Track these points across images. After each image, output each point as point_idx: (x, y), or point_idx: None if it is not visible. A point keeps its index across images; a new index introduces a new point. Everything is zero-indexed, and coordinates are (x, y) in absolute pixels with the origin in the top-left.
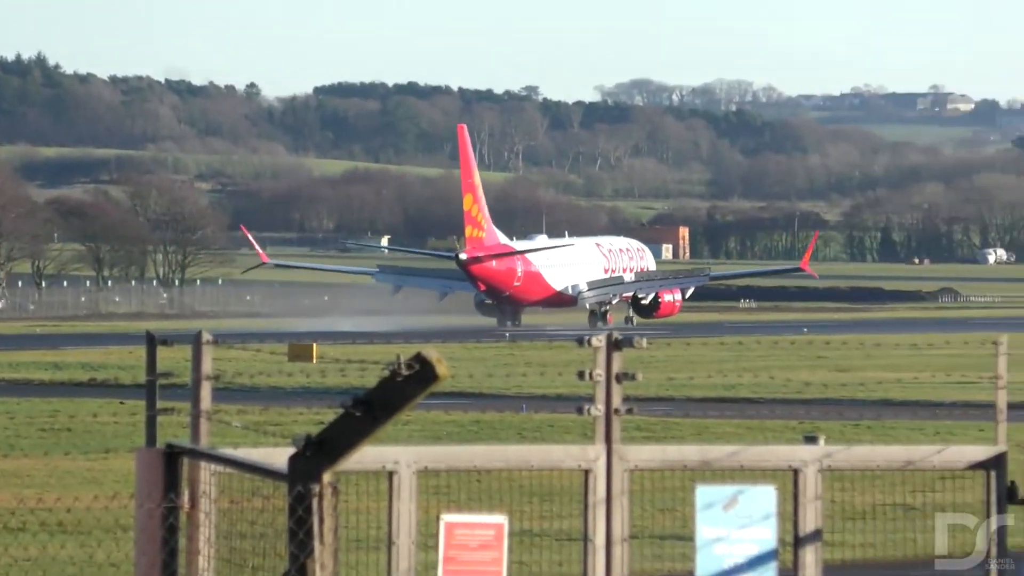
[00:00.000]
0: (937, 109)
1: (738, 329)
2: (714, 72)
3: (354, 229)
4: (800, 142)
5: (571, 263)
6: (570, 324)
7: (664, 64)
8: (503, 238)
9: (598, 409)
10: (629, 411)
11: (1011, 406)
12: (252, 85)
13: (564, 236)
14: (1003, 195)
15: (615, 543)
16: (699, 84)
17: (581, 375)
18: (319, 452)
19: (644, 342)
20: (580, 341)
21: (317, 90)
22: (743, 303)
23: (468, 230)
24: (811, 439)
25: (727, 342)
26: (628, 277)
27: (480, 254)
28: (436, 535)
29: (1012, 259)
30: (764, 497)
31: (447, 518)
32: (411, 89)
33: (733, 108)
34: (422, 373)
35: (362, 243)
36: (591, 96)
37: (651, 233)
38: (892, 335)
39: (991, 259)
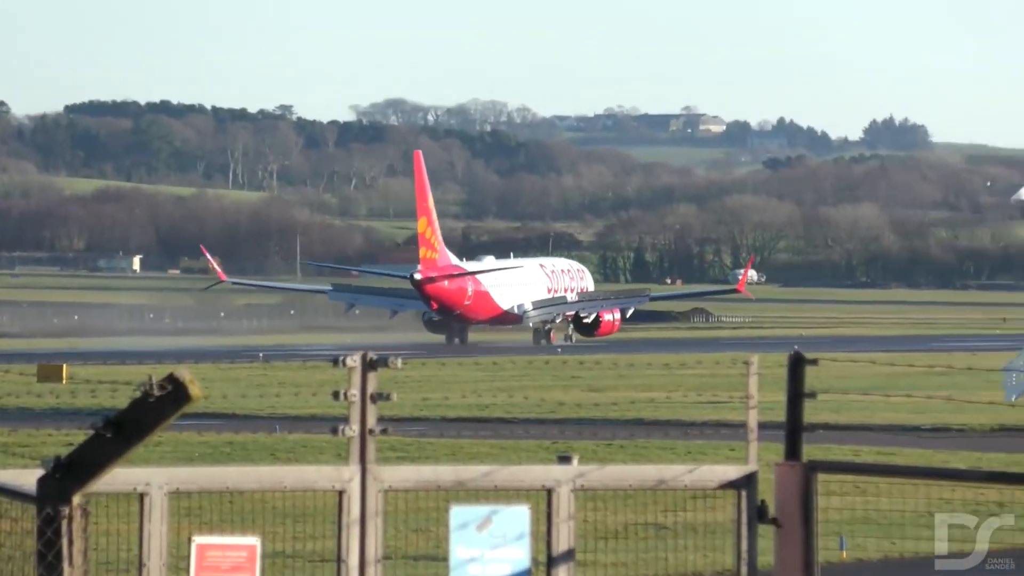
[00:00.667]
0: (689, 130)
1: (492, 350)
2: (469, 92)
3: (105, 248)
4: (554, 163)
5: (517, 283)
6: (516, 341)
7: (419, 84)
8: (454, 259)
9: (353, 429)
10: (384, 431)
11: (762, 425)
12: (1, 103)
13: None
14: (754, 216)
15: (369, 564)
16: (454, 104)
17: (336, 395)
18: (69, 474)
19: (399, 362)
20: (335, 361)
21: (68, 108)
22: None
23: (422, 251)
24: (565, 459)
25: (481, 362)
26: (571, 297)
27: (434, 274)
28: (187, 557)
29: (763, 280)
30: (518, 517)
31: (199, 540)
32: (164, 108)
33: (488, 128)
34: (174, 394)
35: (114, 263)
36: (346, 115)
37: (406, 253)
38: (645, 355)
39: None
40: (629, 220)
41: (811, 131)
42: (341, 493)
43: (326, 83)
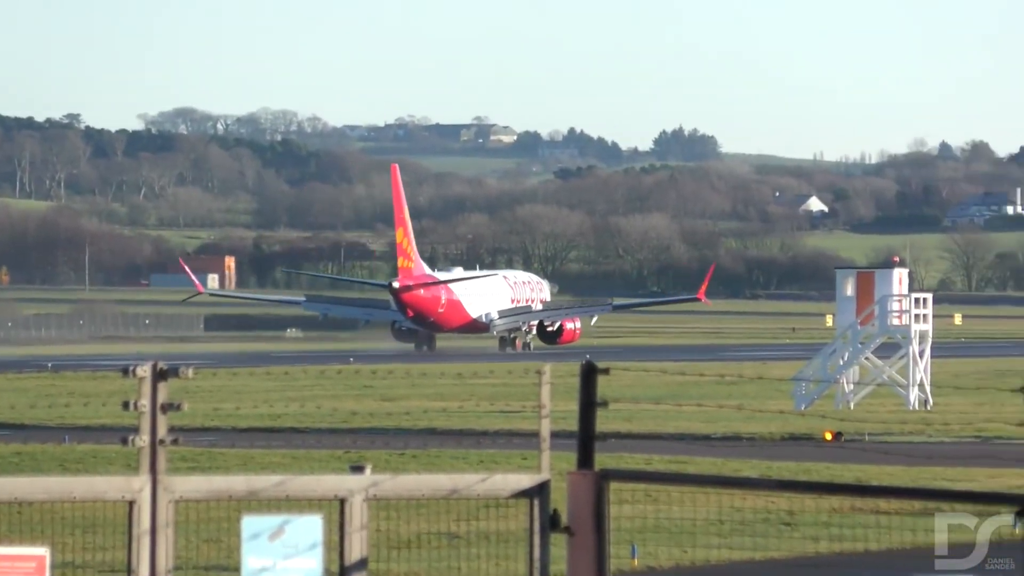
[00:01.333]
0: (481, 140)
1: (284, 359)
2: (259, 102)
3: None
4: (346, 172)
5: (485, 293)
6: (482, 348)
7: (209, 93)
8: (427, 268)
9: (143, 439)
10: (175, 441)
11: (555, 435)
12: None
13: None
14: (545, 226)
15: (159, 575)
16: (244, 113)
17: (126, 405)
18: None
19: (190, 372)
20: (125, 371)
21: None
22: (289, 332)
23: (400, 261)
24: (357, 468)
25: (273, 372)
26: (536, 306)
27: (411, 283)
28: None
29: (556, 290)
30: (310, 527)
31: None
32: None
33: (278, 138)
34: None
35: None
36: (135, 124)
37: (197, 262)
38: (437, 364)
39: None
40: (421, 230)
41: (601, 141)
42: (131, 503)
43: (114, 92)
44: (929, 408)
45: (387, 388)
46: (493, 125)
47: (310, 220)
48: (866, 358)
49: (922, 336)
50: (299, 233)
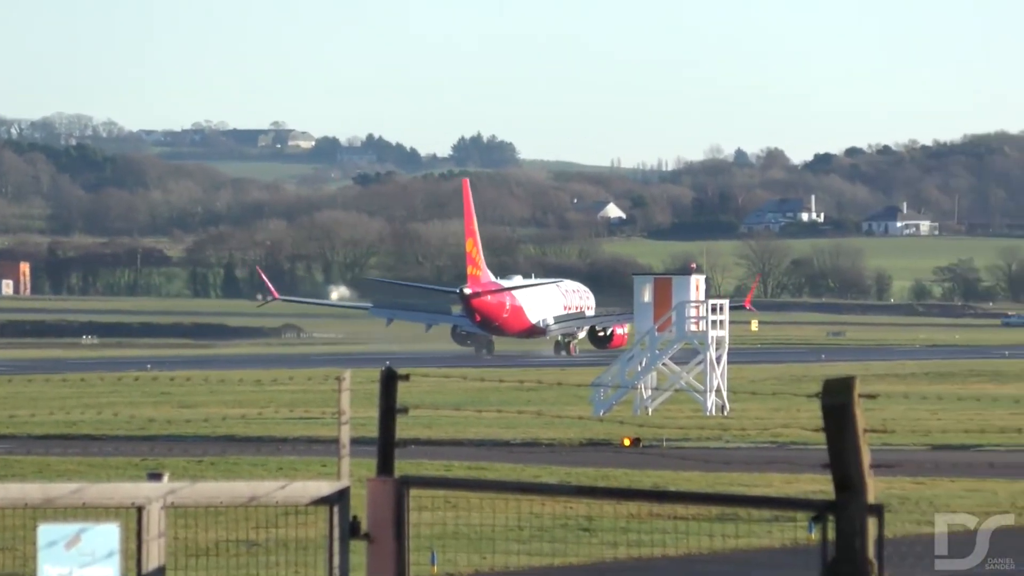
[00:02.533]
0: (279, 146)
1: (81, 366)
2: (53, 106)
3: None
4: (142, 177)
5: (542, 300)
6: (538, 352)
7: (2, 97)
8: (492, 276)
9: None
10: None
11: (356, 441)
12: None
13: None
14: (344, 232)
15: None
16: (38, 118)
17: None
18: None
19: None
20: None
21: None
22: (85, 339)
23: (469, 269)
24: (155, 476)
25: (69, 379)
26: (588, 313)
27: (479, 289)
28: None
29: (356, 296)
30: (107, 535)
31: None
32: None
33: (73, 143)
34: None
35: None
36: None
37: None
38: (236, 371)
39: (334, 295)
40: (219, 235)
41: (400, 147)
42: None
43: None
44: (726, 414)
45: (185, 395)
46: (291, 130)
47: (106, 226)
48: (664, 364)
49: (719, 342)
50: (95, 239)
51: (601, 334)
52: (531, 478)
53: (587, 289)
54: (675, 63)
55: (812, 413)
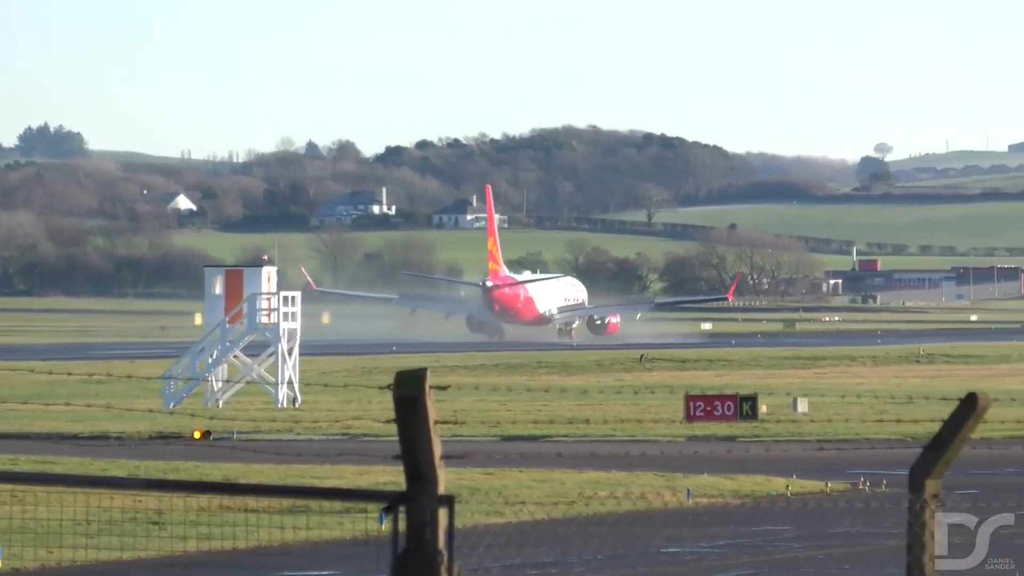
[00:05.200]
0: None
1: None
2: None
3: None
4: None
5: (547, 293)
6: (544, 338)
7: None
8: (507, 271)
9: None
10: None
11: None
12: None
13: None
14: None
15: None
16: None
17: None
18: None
19: None
20: None
21: None
22: None
23: (490, 264)
24: None
25: None
26: (588, 304)
27: (499, 283)
28: None
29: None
30: None
31: None
32: None
33: None
34: None
35: None
36: None
37: None
38: None
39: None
40: None
41: None
42: None
43: None
44: (298, 406)
45: None
46: None
47: None
48: (235, 356)
49: (291, 334)
50: None
51: (599, 322)
52: (100, 472)
53: (582, 284)
54: (247, 55)
55: (384, 405)
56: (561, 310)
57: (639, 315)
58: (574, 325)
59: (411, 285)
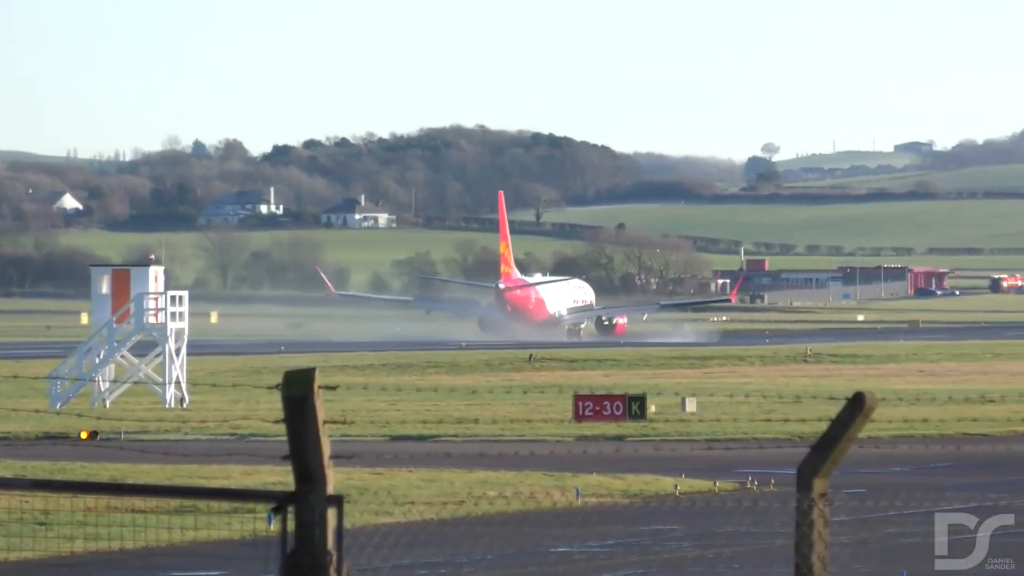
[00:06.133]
0: None
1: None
2: None
3: None
4: None
5: (557, 294)
6: (553, 337)
7: None
8: (519, 273)
9: None
10: None
11: None
12: None
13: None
14: None
15: None
16: None
17: None
18: None
19: None
20: None
21: None
22: None
23: (503, 268)
24: None
25: None
26: (597, 306)
27: (512, 285)
28: None
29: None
30: None
31: None
32: None
33: None
34: None
35: None
36: None
37: None
38: None
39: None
40: None
41: None
42: None
43: None
44: (186, 406)
45: None
46: None
47: None
48: (122, 356)
49: (178, 334)
50: None
51: (606, 323)
52: None
53: (589, 286)
54: (133, 53)
55: (272, 405)
56: (570, 311)
57: (645, 316)
58: (582, 326)
59: (420, 288)
